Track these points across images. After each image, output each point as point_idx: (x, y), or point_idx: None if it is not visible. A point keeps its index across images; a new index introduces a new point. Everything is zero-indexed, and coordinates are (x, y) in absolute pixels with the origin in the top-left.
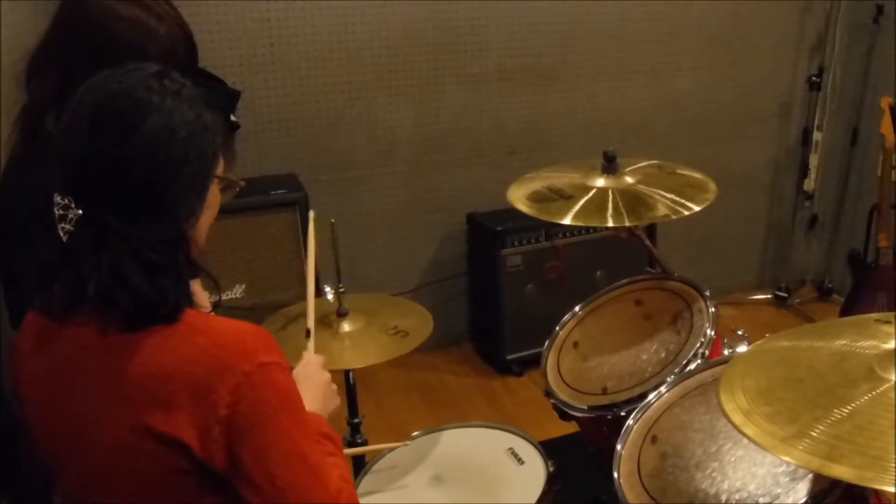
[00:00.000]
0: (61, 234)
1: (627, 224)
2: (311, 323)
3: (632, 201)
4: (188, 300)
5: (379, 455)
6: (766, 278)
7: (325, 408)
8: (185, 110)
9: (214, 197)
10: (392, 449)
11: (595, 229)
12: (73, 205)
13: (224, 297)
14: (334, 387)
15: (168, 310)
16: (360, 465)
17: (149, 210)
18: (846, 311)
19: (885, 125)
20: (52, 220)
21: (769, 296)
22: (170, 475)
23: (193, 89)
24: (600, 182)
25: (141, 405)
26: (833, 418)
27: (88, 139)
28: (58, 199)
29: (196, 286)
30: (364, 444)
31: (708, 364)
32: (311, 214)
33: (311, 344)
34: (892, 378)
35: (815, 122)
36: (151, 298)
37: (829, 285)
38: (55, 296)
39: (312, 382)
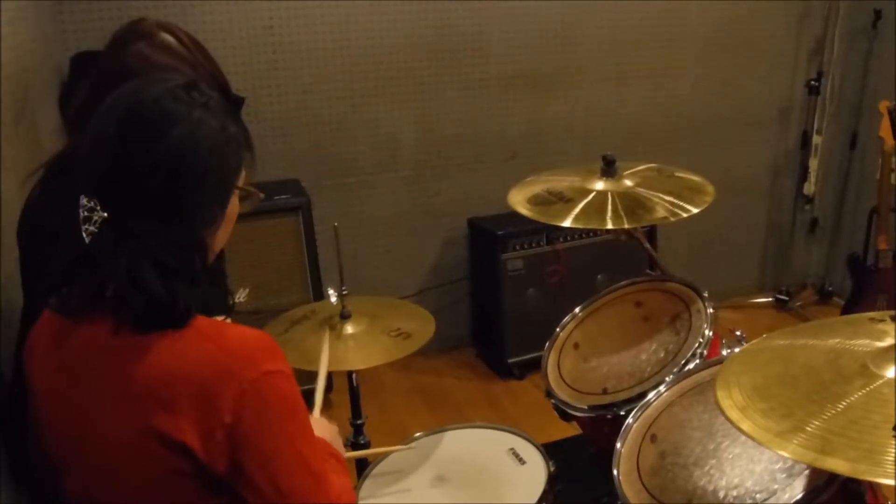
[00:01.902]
0: (85, 235)
1: (627, 226)
2: (318, 407)
3: (631, 204)
4: (199, 306)
5: (382, 456)
6: (767, 281)
7: None
8: (211, 121)
9: (234, 207)
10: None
11: (595, 233)
12: (98, 207)
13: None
14: (340, 438)
15: (179, 314)
16: (362, 467)
17: (171, 217)
18: (846, 313)
19: (884, 128)
20: (75, 223)
21: (770, 299)
22: (173, 477)
23: (219, 102)
24: (600, 185)
25: (146, 407)
26: (827, 413)
27: (116, 146)
28: (84, 201)
29: None
30: (367, 445)
31: (706, 364)
32: (327, 336)
33: (317, 410)
34: (886, 374)
35: (815, 126)
36: (165, 302)
37: (830, 288)
38: (72, 295)
39: (321, 426)
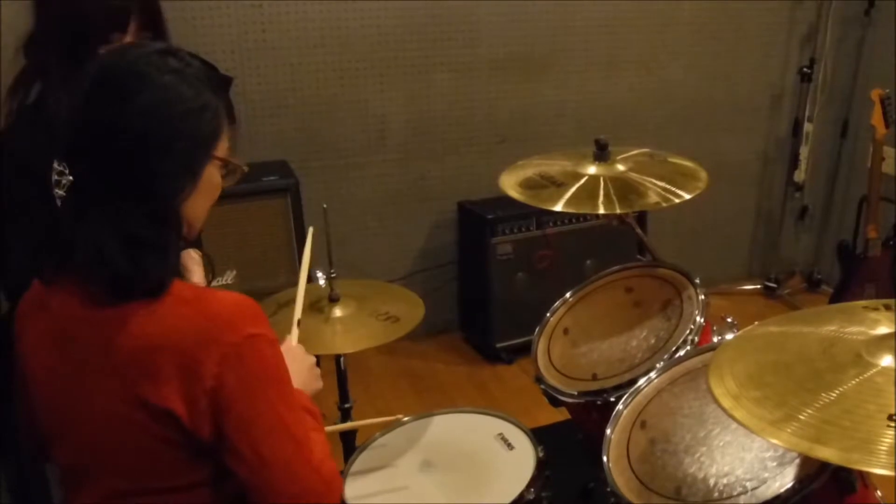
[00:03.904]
0: (56, 199)
1: (619, 211)
2: (299, 314)
3: (623, 189)
4: (173, 275)
5: (368, 440)
6: (756, 269)
7: (307, 388)
8: (184, 88)
9: (212, 178)
10: (383, 424)
11: (585, 218)
12: (67, 171)
13: (215, 283)
14: (317, 370)
15: (150, 286)
16: (350, 448)
17: (137, 183)
18: (835, 301)
19: (876, 117)
20: (48, 188)
21: (758, 286)
22: (162, 447)
23: (199, 69)
24: (592, 169)
25: (131, 377)
26: (821, 402)
27: (85, 107)
28: (55, 164)
29: (194, 265)
30: (354, 430)
31: (697, 350)
32: (311, 230)
33: (295, 331)
34: (881, 363)
35: (806, 114)
36: (130, 275)
37: (818, 276)
38: (47, 262)
39: (296, 362)
